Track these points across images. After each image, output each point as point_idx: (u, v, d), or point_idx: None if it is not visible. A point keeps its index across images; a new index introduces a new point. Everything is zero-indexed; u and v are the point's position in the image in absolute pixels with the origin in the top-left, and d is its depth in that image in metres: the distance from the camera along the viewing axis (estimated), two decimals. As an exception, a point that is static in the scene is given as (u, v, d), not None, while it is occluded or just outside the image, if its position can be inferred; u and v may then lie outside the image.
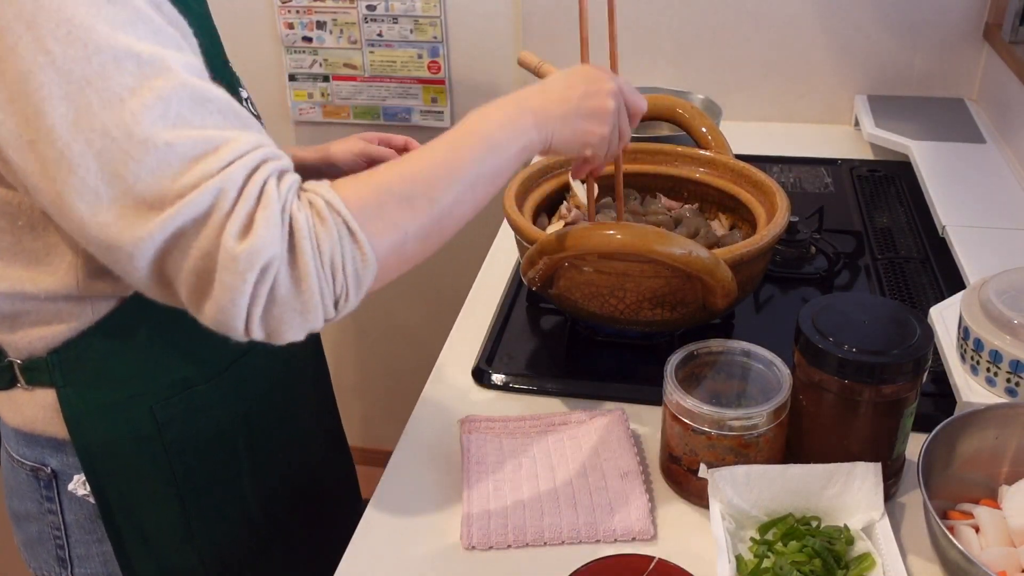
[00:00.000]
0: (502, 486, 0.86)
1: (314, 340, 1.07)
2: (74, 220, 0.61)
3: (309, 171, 1.07)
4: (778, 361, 0.84)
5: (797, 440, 0.83)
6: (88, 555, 0.88)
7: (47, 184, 0.61)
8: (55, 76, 0.58)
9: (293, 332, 0.65)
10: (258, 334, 0.65)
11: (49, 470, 0.84)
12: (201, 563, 0.91)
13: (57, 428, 0.81)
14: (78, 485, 0.84)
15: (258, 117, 0.90)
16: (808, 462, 0.79)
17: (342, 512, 1.12)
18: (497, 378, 1.03)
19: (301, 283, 0.63)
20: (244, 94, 0.90)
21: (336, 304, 0.66)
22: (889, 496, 0.83)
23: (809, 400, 0.81)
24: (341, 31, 1.80)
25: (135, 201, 0.60)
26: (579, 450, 0.90)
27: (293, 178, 0.66)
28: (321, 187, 0.67)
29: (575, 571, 0.71)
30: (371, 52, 1.81)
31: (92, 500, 0.84)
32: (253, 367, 0.90)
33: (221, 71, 0.82)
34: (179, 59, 0.63)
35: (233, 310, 0.62)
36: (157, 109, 0.60)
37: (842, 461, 0.78)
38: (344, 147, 1.11)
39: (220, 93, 0.65)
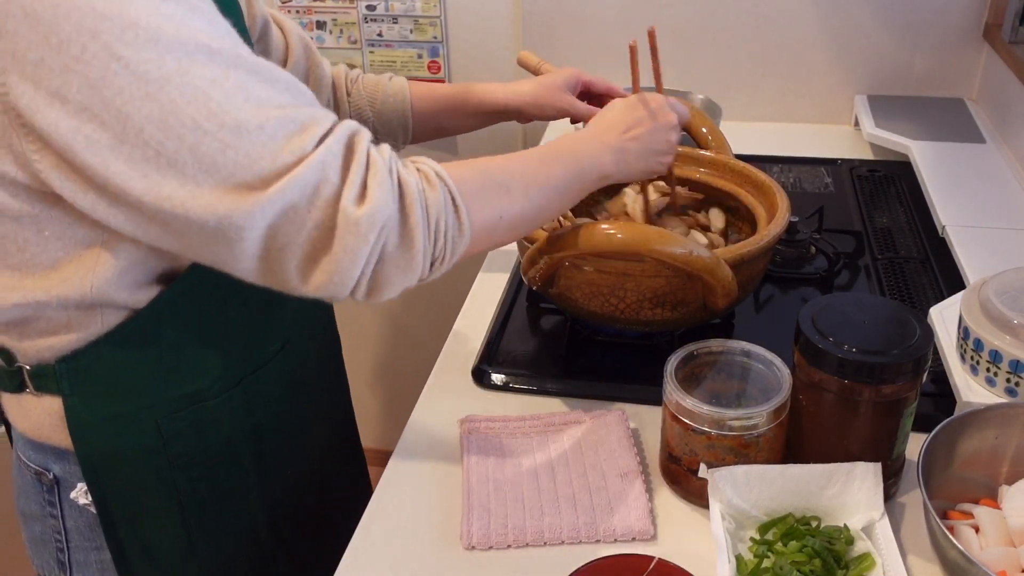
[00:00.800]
0: (502, 486, 0.86)
1: (332, 343, 1.06)
2: (172, 211, 0.63)
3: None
4: (778, 361, 0.84)
5: (797, 440, 0.83)
6: (87, 562, 0.87)
7: (136, 183, 0.62)
8: (132, 79, 0.60)
9: (393, 289, 0.70)
10: (361, 293, 0.69)
11: (52, 476, 0.84)
12: None
13: (61, 437, 0.80)
14: (80, 494, 0.83)
15: None
16: (808, 462, 0.79)
17: (353, 520, 1.11)
18: (497, 378, 1.02)
19: (409, 241, 0.68)
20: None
21: (432, 265, 0.71)
22: (889, 496, 0.83)
23: (809, 400, 0.81)
24: (341, 31, 1.80)
25: (236, 184, 0.62)
26: (579, 450, 0.90)
27: (386, 146, 0.70)
28: (429, 161, 0.73)
29: (575, 571, 0.71)
30: (371, 52, 1.81)
31: (93, 510, 0.84)
32: (265, 380, 0.89)
33: None
34: (239, 45, 0.65)
35: (352, 270, 0.66)
36: (239, 95, 0.62)
37: (842, 461, 0.78)
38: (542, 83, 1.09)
39: (284, 72, 0.67)
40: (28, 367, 0.78)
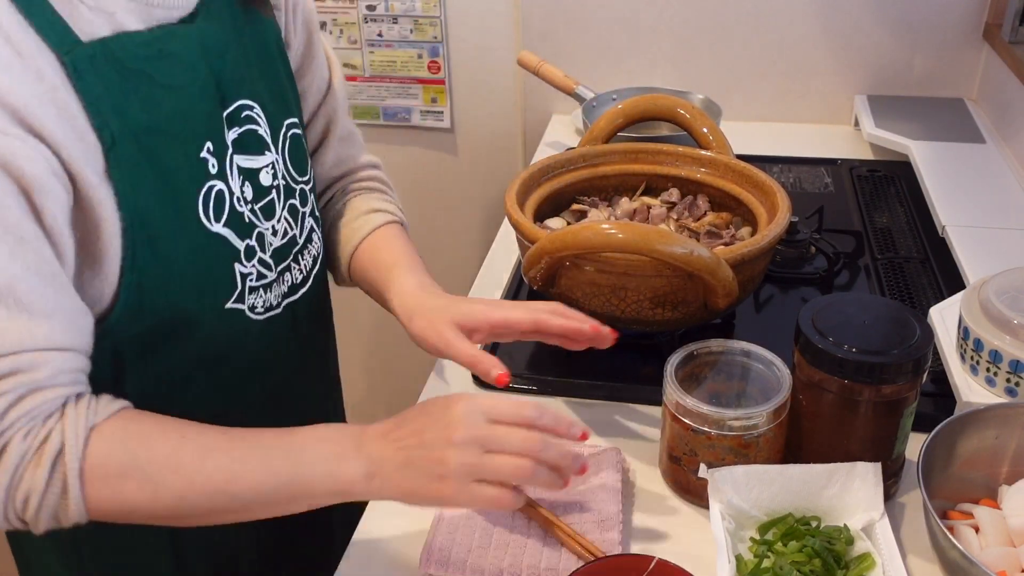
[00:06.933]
0: (474, 517, 0.83)
1: (322, 347, 1.05)
2: None
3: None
4: (778, 361, 0.84)
5: (797, 440, 0.83)
6: None
7: None
8: None
9: None
10: None
11: None
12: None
13: None
14: None
15: (262, 137, 0.85)
16: (808, 462, 0.79)
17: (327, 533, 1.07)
18: (497, 378, 1.02)
19: None
20: (255, 110, 0.84)
21: (22, 521, 0.68)
22: (889, 496, 0.83)
23: (809, 400, 0.81)
24: (341, 31, 1.80)
25: None
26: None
27: (40, 399, 0.67)
28: (80, 426, 0.68)
29: (575, 571, 0.71)
30: (371, 52, 1.81)
31: None
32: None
33: (198, 116, 0.77)
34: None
35: None
36: None
37: (842, 461, 0.78)
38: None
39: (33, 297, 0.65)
40: None
